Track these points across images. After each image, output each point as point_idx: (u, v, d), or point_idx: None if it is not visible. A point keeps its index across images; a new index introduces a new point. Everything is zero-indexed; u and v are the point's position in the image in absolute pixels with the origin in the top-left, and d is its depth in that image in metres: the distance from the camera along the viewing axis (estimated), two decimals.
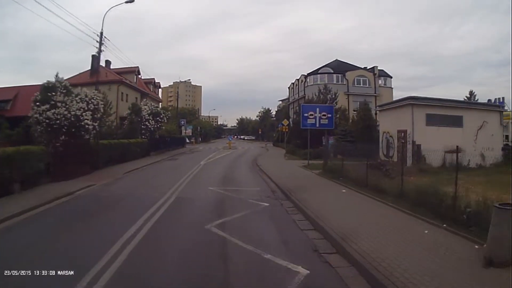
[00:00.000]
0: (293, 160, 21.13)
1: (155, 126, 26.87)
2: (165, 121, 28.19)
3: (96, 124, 15.97)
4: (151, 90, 42.99)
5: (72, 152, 14.45)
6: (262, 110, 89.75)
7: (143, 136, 26.40)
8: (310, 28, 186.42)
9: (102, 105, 16.84)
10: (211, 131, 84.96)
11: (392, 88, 43.39)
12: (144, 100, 30.31)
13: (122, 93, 31.33)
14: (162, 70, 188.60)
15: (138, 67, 37.35)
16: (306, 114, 16.46)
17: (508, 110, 26.11)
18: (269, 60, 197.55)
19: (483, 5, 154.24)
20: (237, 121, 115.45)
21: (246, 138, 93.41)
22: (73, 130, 14.73)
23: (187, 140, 56.69)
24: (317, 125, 16.54)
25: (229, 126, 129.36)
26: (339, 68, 42.30)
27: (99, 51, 19.09)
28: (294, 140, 34.12)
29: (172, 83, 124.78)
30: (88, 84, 28.86)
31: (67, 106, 14.46)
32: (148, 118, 26.67)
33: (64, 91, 15.07)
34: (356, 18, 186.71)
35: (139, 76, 41.99)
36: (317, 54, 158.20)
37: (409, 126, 16.94)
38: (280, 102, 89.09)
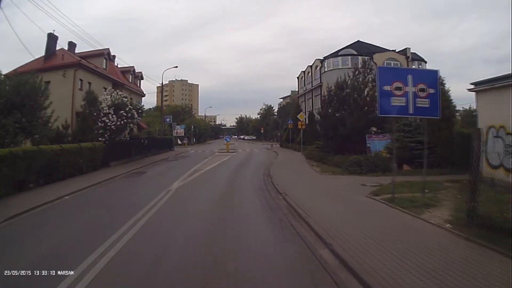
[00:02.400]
0: (334, 176, 12.55)
1: (118, 123, 18.40)
2: (135, 116, 19.67)
3: None
4: (130, 80, 34.44)
5: None
6: (264, 107, 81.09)
7: (101, 138, 18.03)
8: (308, 27, 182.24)
9: None
10: (208, 131, 76.52)
11: None
12: (109, 89, 21.75)
13: (81, 80, 22.72)
14: (159, 71, 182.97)
15: (108, 49, 28.76)
16: (387, 88, 7.84)
17: None
18: (267, 60, 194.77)
19: (483, 2, 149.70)
20: (236, 120, 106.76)
21: (246, 138, 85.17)
22: None
23: (179, 142, 48.53)
24: (411, 111, 8.06)
25: (228, 125, 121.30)
26: (363, 50, 33.98)
27: None
28: (314, 140, 25.69)
29: (167, 82, 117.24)
30: (41, 70, 21.15)
31: None
32: (107, 112, 18.24)
33: None
34: (355, 16, 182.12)
35: (115, 63, 33.78)
36: (315, 52, 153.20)
37: None
38: (282, 100, 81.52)
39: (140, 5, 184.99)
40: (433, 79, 8.39)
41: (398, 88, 7.81)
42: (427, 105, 8.19)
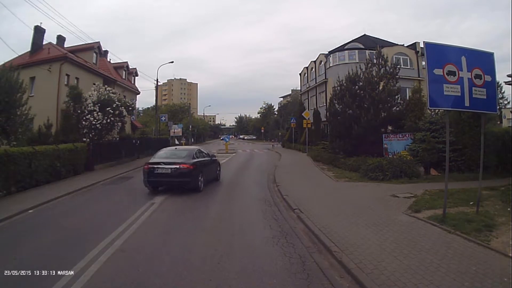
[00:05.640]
0: (353, 184, 10.59)
1: (105, 121, 16.46)
2: (124, 114, 17.70)
3: None
4: (124, 77, 32.45)
5: None
6: (264, 105, 79.19)
7: (86, 138, 16.12)
8: (309, 26, 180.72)
9: None
10: (206, 131, 74.66)
11: None
12: (97, 84, 19.77)
13: (67, 75, 20.79)
14: (159, 70, 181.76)
15: (99, 42, 26.69)
16: (438, 72, 5.90)
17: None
18: (267, 59, 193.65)
19: (483, 1, 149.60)
20: (235, 119, 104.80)
21: (246, 138, 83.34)
22: None
23: (176, 142, 46.68)
24: (467, 103, 6.25)
25: (227, 125, 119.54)
26: (370, 44, 32.04)
27: None
28: (320, 139, 23.85)
29: (166, 81, 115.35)
30: (26, 65, 19.36)
31: None
32: (92, 109, 16.30)
33: None
34: (355, 15, 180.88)
35: (107, 59, 31.84)
36: (316, 51, 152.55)
37: None
38: (282, 99, 79.63)
39: (139, 4, 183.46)
40: (489, 63, 6.51)
41: (451, 73, 5.91)
42: (484, 97, 6.31)
